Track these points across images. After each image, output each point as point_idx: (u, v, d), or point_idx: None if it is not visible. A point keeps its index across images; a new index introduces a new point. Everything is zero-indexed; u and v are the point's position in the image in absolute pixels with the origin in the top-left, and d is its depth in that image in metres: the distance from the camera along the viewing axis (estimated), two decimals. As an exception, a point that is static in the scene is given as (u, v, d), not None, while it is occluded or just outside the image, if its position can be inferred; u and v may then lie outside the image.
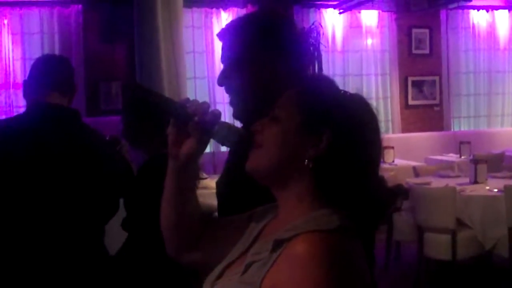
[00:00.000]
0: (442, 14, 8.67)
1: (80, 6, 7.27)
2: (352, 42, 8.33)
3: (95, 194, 2.34)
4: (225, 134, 1.17)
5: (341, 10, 8.12)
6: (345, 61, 8.30)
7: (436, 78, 8.77)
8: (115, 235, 2.59)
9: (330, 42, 8.11)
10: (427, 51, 8.71)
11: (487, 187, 5.09)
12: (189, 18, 7.54)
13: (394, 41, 8.50)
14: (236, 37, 1.52)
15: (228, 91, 1.57)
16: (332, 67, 8.17)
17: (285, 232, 1.07)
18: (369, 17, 8.39)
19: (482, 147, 7.68)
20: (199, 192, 1.33)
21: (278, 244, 1.06)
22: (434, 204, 4.77)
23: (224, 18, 7.69)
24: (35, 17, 7.24)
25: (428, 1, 7.81)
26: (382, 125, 1.20)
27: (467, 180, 5.39)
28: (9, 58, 7.17)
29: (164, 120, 1.27)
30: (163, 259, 1.96)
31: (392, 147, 6.59)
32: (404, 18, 8.44)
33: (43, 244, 2.21)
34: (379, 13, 8.40)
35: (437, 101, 8.80)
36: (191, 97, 1.28)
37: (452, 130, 8.78)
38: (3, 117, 6.69)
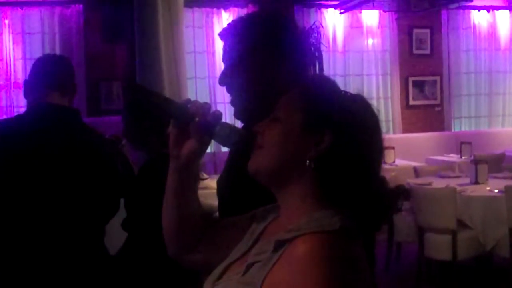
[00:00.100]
0: (443, 14, 8.67)
1: (81, 6, 7.27)
2: (353, 42, 8.33)
3: (95, 194, 2.34)
4: (226, 134, 1.17)
5: (342, 10, 8.12)
6: (346, 61, 8.30)
7: (437, 78, 8.77)
8: (115, 235, 2.59)
9: (331, 42, 8.12)
10: (428, 51, 8.71)
11: (488, 188, 5.09)
12: (190, 18, 7.54)
13: (395, 41, 8.50)
14: (237, 37, 1.52)
15: (229, 91, 1.57)
16: (333, 67, 8.17)
17: (286, 233, 1.07)
18: (370, 17, 8.39)
19: (483, 147, 7.68)
20: (199, 192, 1.33)
21: (279, 245, 1.06)
22: (435, 204, 4.77)
23: (225, 18, 7.69)
24: (36, 17, 7.24)
25: (429, 1, 7.81)
26: (383, 125, 1.20)
27: (467, 180, 5.39)
28: (10, 58, 7.17)
29: (164, 120, 1.27)
30: (163, 259, 1.96)
31: (393, 148, 6.58)
32: (405, 18, 8.43)
33: (43, 244, 2.21)
34: (380, 13, 8.40)
35: (438, 101, 8.80)
36: (192, 97, 1.28)
37: (453, 130, 8.77)
38: (4, 117, 6.69)
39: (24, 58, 7.18)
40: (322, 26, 1.69)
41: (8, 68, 7.16)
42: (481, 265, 5.08)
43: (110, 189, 2.42)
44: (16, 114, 5.32)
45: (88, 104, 7.19)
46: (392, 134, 8.28)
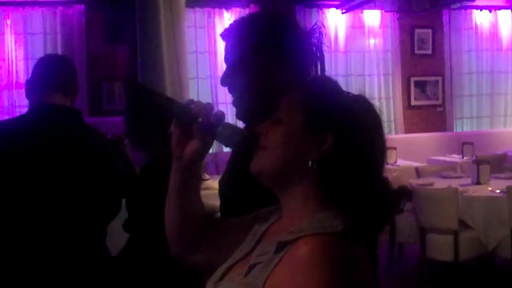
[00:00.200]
0: (445, 14, 8.66)
1: (82, 6, 7.28)
2: (354, 42, 8.32)
3: (97, 195, 2.33)
4: (229, 135, 1.17)
5: (343, 10, 8.12)
6: (347, 61, 8.30)
7: (439, 78, 8.76)
8: (116, 236, 2.59)
9: (333, 42, 8.12)
10: (429, 51, 8.70)
11: (490, 188, 5.08)
12: (192, 18, 7.54)
13: (396, 41, 8.49)
14: (239, 38, 1.52)
15: (231, 91, 1.57)
16: (335, 67, 8.16)
17: (288, 234, 1.07)
18: (372, 17, 8.39)
19: (485, 147, 7.66)
20: (201, 193, 1.33)
21: (281, 246, 1.06)
22: (437, 205, 4.76)
23: (226, 18, 7.69)
24: (37, 17, 7.25)
25: (431, 1, 7.80)
26: (385, 126, 1.19)
27: (469, 181, 5.38)
28: (11, 58, 7.18)
29: (166, 120, 1.27)
30: (165, 260, 1.96)
31: (395, 148, 6.58)
32: (406, 18, 8.43)
33: (44, 245, 2.21)
34: (381, 13, 8.40)
35: (439, 102, 8.79)
36: (194, 98, 1.28)
37: (454, 130, 8.76)
38: (6, 117, 6.70)
39: (26, 58, 7.18)
40: (324, 26, 1.69)
41: (10, 68, 7.17)
42: (483, 265, 5.07)
43: (111, 189, 2.42)
44: (18, 114, 5.32)
45: (90, 104, 7.20)
46: (394, 134, 8.28)
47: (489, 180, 5.30)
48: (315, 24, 1.62)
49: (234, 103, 1.57)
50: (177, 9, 5.50)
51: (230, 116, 1.71)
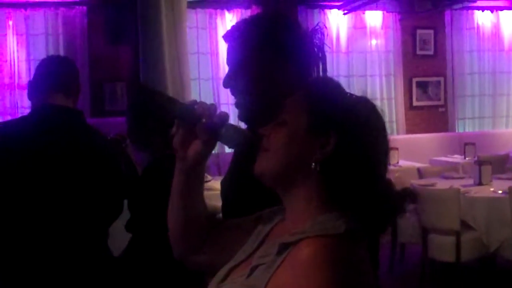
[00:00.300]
0: (447, 14, 8.66)
1: (84, 7, 7.29)
2: (356, 43, 8.33)
3: (99, 196, 2.34)
4: (232, 136, 1.17)
5: (345, 11, 8.12)
6: (349, 62, 8.30)
7: (441, 79, 8.76)
8: (119, 237, 2.59)
9: (335, 43, 8.12)
10: (431, 52, 8.69)
11: (492, 189, 5.08)
12: (193, 19, 7.54)
13: (398, 42, 8.49)
14: (241, 40, 1.52)
15: (233, 93, 1.57)
16: (336, 68, 8.17)
17: (291, 236, 1.07)
18: (374, 18, 8.39)
19: (487, 148, 7.65)
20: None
21: (283, 248, 1.06)
22: (439, 205, 4.76)
23: (228, 19, 7.69)
24: (39, 18, 7.26)
25: (433, 1, 7.80)
26: (387, 126, 1.19)
27: (471, 181, 5.37)
28: (14, 59, 7.19)
29: (168, 121, 1.27)
30: (167, 260, 1.96)
31: (397, 148, 6.58)
32: (408, 19, 8.43)
33: (46, 246, 2.21)
34: (383, 14, 8.40)
35: (441, 102, 8.78)
36: (196, 99, 1.28)
37: (456, 131, 8.76)
38: (8, 118, 6.70)
39: (28, 59, 7.19)
40: (326, 27, 1.70)
41: (12, 69, 7.18)
42: (484, 266, 5.06)
43: (113, 190, 2.42)
44: (20, 115, 5.33)
45: (92, 105, 7.21)
46: (396, 135, 8.27)
47: (491, 180, 5.29)
48: (317, 25, 1.62)
49: (237, 104, 1.57)
50: (178, 9, 5.50)
51: (232, 118, 1.72)
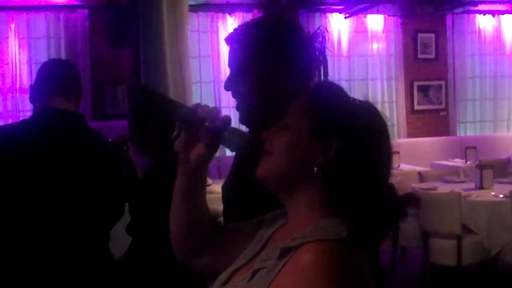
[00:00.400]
0: (448, 18, 8.66)
1: (86, 10, 7.30)
2: (357, 46, 8.33)
3: (100, 199, 2.34)
4: (235, 139, 1.17)
5: (346, 15, 8.12)
6: (350, 65, 8.30)
7: (442, 82, 8.76)
8: (120, 240, 2.59)
9: (336, 46, 8.12)
10: (433, 56, 8.70)
11: (493, 193, 5.08)
12: (195, 22, 7.55)
13: (399, 45, 8.49)
14: (242, 42, 1.53)
15: (234, 96, 1.57)
16: (338, 71, 8.17)
17: (292, 240, 1.07)
18: (375, 21, 8.39)
19: (488, 152, 7.65)
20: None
21: (285, 252, 1.05)
22: (440, 209, 4.76)
23: (230, 22, 7.71)
24: (41, 21, 7.27)
25: (434, 5, 7.80)
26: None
27: (472, 185, 5.38)
28: (15, 62, 7.20)
29: (168, 123, 1.27)
30: (168, 263, 1.96)
31: (398, 152, 6.55)
32: (409, 23, 8.43)
33: (47, 249, 2.21)
34: (384, 17, 8.40)
35: (442, 106, 8.78)
36: (197, 102, 1.28)
37: (458, 135, 8.76)
38: (10, 121, 6.72)
39: (29, 62, 7.20)
40: (327, 30, 1.71)
41: (14, 72, 7.19)
42: (485, 270, 5.05)
43: (115, 194, 2.42)
44: (21, 118, 5.33)
45: (94, 108, 7.21)
46: (397, 138, 8.27)
47: (492, 184, 5.29)
48: (318, 28, 1.63)
49: (238, 107, 1.57)
50: (180, 13, 5.50)
51: (234, 121, 1.72)
